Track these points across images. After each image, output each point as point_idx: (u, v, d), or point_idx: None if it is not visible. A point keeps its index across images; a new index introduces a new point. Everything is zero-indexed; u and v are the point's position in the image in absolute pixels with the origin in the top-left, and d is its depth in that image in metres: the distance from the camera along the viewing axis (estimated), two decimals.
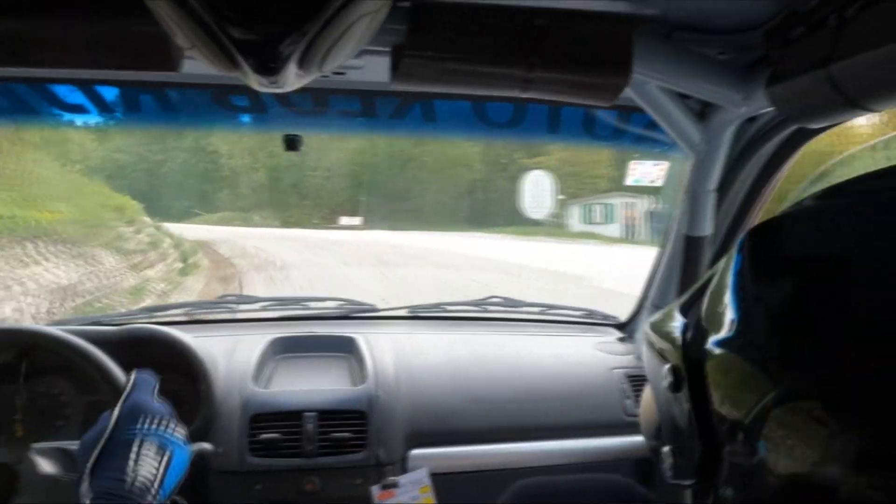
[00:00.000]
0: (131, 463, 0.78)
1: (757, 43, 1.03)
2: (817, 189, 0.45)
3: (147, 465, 0.80)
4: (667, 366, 0.58)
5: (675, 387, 0.56)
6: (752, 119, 1.30)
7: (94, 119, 1.45)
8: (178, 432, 0.87)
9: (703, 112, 1.28)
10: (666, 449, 0.59)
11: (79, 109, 1.35)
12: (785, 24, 0.95)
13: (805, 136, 1.31)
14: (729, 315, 0.47)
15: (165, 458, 0.82)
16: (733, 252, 0.49)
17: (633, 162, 1.63)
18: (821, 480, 0.37)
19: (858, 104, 0.84)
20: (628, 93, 1.17)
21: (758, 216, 1.51)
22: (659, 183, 1.61)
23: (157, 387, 0.92)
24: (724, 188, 1.42)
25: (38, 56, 0.86)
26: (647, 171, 1.62)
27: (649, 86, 1.18)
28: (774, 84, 0.97)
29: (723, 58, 1.10)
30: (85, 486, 0.77)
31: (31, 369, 1.40)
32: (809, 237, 0.43)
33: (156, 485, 0.79)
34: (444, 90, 1.01)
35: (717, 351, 0.49)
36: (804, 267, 0.41)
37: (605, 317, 2.00)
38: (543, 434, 1.52)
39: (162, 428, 0.85)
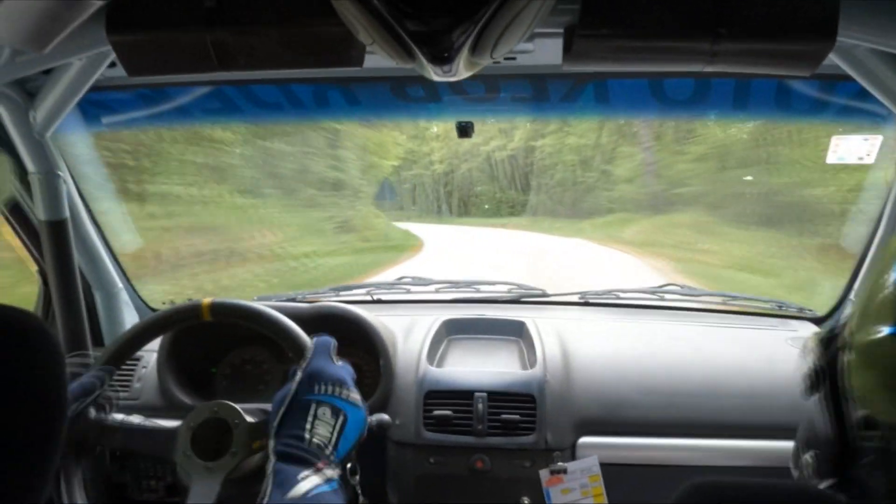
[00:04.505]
0: (308, 425, 0.87)
1: None
2: None
3: (322, 427, 0.88)
4: (805, 369, 0.62)
5: (814, 387, 0.60)
6: None
7: (288, 115, 1.61)
8: (353, 397, 0.94)
9: None
10: (807, 455, 0.62)
11: (276, 107, 1.50)
12: None
13: None
14: (887, 307, 0.43)
15: (339, 421, 0.90)
16: None
17: (835, 137, 1.45)
18: None
19: None
20: (832, 59, 1.04)
21: None
22: (869, 160, 1.42)
23: (335, 348, 1.00)
24: None
25: (241, 60, 0.97)
26: (853, 147, 1.44)
27: (858, 50, 1.04)
28: None
29: None
30: (272, 442, 0.87)
31: (240, 339, 1.61)
32: None
33: (331, 445, 0.88)
34: (620, 69, 0.97)
35: (868, 345, 0.46)
36: None
37: (800, 309, 1.81)
38: (723, 432, 1.42)
39: (335, 393, 0.92)
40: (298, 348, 1.08)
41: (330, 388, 0.92)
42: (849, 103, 1.33)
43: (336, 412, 0.90)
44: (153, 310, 1.88)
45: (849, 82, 1.15)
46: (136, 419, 1.13)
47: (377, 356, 1.50)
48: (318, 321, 1.48)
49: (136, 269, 1.88)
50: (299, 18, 0.91)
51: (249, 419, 1.06)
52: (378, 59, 0.93)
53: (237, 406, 1.07)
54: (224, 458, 1.02)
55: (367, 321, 1.52)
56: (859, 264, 1.56)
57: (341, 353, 1.02)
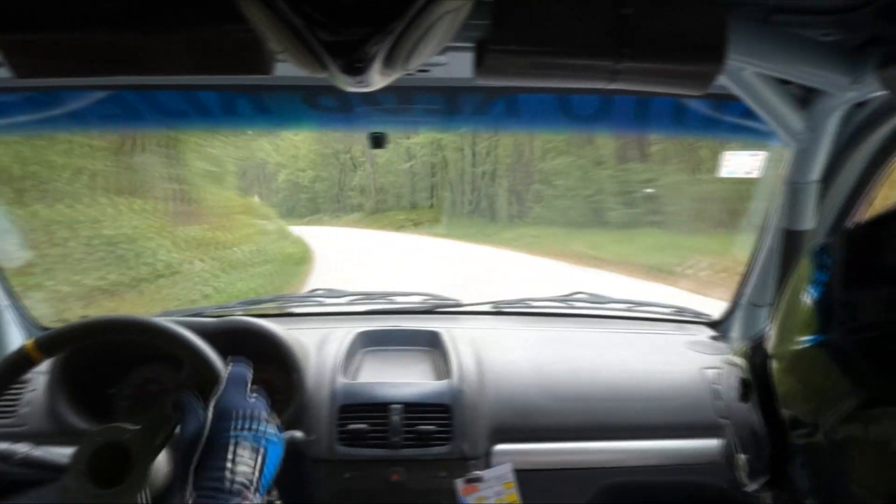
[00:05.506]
0: (229, 465, 0.83)
1: (868, 21, 0.95)
2: None
3: (243, 466, 0.84)
4: (735, 377, 0.62)
5: (744, 397, 0.60)
6: (860, 104, 1.22)
7: (194, 123, 1.55)
8: (270, 431, 0.91)
9: (805, 98, 1.21)
10: (742, 457, 0.62)
11: (181, 114, 1.44)
12: None
13: None
14: (806, 322, 0.47)
15: (260, 457, 0.87)
16: (807, 259, 0.50)
17: (727, 153, 1.56)
18: None
19: None
20: (722, 80, 1.11)
21: (865, 209, 1.41)
22: (755, 174, 1.53)
23: (250, 379, 0.96)
24: (828, 179, 1.34)
25: (144, 64, 0.92)
26: (742, 162, 1.55)
27: (745, 72, 1.12)
28: (888, 66, 0.90)
29: (828, 39, 1.03)
30: (189, 485, 0.82)
31: (141, 357, 1.52)
32: None
33: (254, 482, 0.84)
34: (529, 84, 1.00)
35: (792, 356, 0.50)
36: None
37: (697, 314, 1.92)
38: (630, 434, 1.48)
39: (254, 428, 0.88)
40: (205, 367, 1.03)
41: (246, 424, 0.88)
42: (738, 121, 1.42)
43: (255, 450, 0.87)
44: (44, 328, 1.75)
45: (737, 102, 1.23)
46: (22, 448, 1.05)
47: (289, 371, 1.45)
48: (226, 336, 1.42)
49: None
50: (206, 22, 0.87)
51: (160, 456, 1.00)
52: (289, 68, 0.91)
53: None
54: (119, 488, 0.96)
55: (277, 335, 1.47)
56: (748, 270, 1.67)
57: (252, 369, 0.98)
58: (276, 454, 0.92)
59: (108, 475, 0.96)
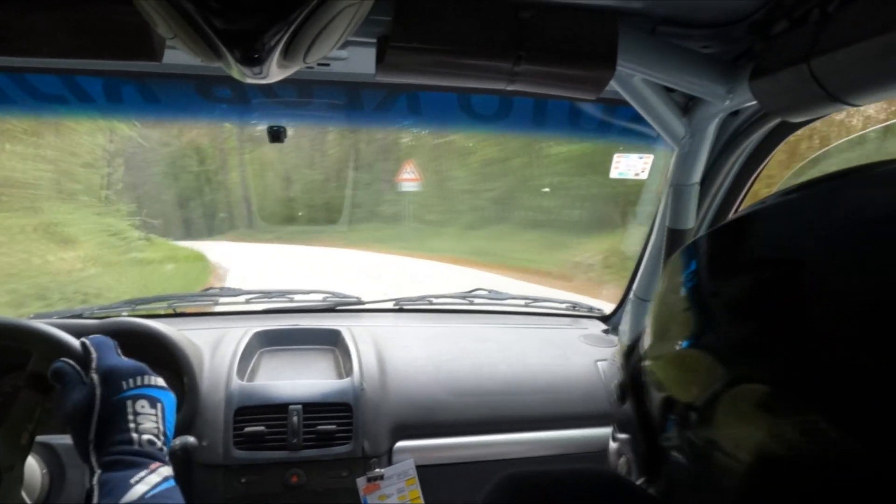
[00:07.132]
0: (132, 424, 0.79)
1: (741, 36, 1.03)
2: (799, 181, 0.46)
3: (147, 422, 0.81)
4: (614, 382, 0.63)
5: (621, 399, 0.62)
6: (736, 112, 1.32)
7: (74, 110, 1.43)
8: (159, 382, 0.88)
9: (687, 105, 1.29)
10: (622, 460, 0.65)
11: (58, 100, 1.33)
12: (768, 18, 0.96)
13: (788, 129, 1.32)
14: (679, 318, 0.49)
15: (159, 409, 0.84)
16: (677, 259, 0.52)
17: (617, 155, 1.64)
18: (767, 456, 0.39)
19: (839, 98, 0.85)
20: (613, 86, 1.17)
21: (740, 208, 1.52)
22: (643, 176, 1.62)
23: (114, 344, 0.91)
24: (707, 181, 1.44)
25: (16, 44, 0.85)
26: (631, 164, 1.63)
27: (634, 79, 1.19)
28: (757, 78, 0.98)
29: (707, 51, 1.11)
30: (93, 459, 0.77)
31: (9, 365, 1.39)
32: (773, 233, 0.44)
33: (160, 436, 0.81)
34: (430, 82, 1.00)
35: (665, 352, 0.51)
36: (766, 263, 0.43)
37: (590, 309, 2.01)
38: (528, 425, 1.53)
39: (144, 383, 0.85)
40: (67, 352, 0.95)
41: (138, 380, 0.84)
42: (627, 125, 1.50)
43: (153, 401, 0.83)
44: None
45: (627, 107, 1.30)
46: None
47: (180, 374, 1.38)
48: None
49: None
50: (90, 2, 0.81)
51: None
52: (180, 55, 0.87)
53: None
54: None
55: (166, 336, 1.39)
56: (636, 267, 1.77)
57: None
58: (172, 406, 0.89)
59: None
